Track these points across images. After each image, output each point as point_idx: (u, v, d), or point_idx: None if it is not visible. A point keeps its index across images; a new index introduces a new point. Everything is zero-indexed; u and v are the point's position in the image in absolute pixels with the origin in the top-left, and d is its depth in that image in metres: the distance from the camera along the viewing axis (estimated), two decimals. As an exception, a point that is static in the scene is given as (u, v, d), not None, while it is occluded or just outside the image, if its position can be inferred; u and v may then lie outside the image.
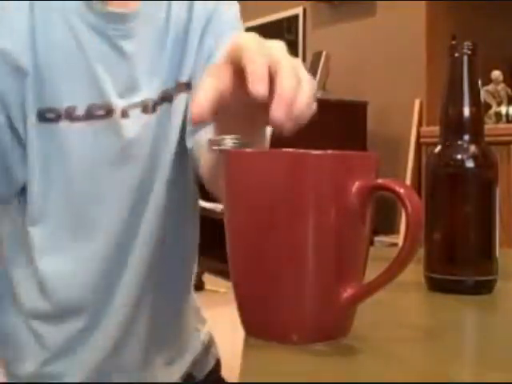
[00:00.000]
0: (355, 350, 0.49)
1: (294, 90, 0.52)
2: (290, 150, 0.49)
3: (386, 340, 0.52)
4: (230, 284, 0.53)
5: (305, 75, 0.55)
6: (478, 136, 0.68)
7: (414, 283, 0.70)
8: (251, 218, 0.49)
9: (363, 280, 0.50)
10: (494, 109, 2.63)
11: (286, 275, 0.48)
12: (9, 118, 0.84)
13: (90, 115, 0.86)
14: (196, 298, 1.07)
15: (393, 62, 3.53)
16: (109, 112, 0.87)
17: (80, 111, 0.85)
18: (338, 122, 3.51)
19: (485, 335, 0.57)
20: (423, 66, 2.76)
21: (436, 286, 0.68)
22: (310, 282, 0.48)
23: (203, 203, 3.56)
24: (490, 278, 0.67)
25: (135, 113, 0.88)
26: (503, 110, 2.63)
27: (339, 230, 0.48)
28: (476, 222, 0.67)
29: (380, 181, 0.48)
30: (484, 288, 0.67)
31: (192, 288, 1.04)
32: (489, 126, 2.42)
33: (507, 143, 2.36)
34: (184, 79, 0.92)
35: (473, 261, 0.66)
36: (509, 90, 2.67)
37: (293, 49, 3.80)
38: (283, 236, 0.48)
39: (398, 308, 0.64)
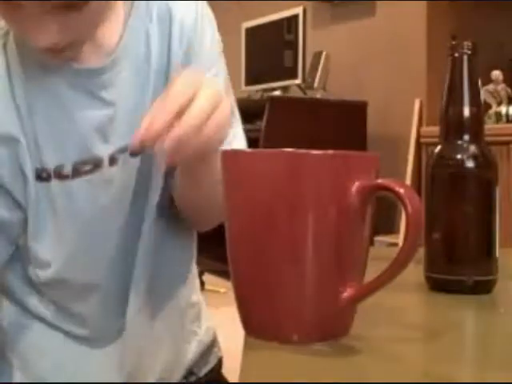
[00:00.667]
0: (355, 350, 0.49)
1: (191, 131, 0.64)
2: (290, 149, 0.49)
3: (386, 340, 0.52)
4: (229, 284, 0.53)
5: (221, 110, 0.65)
6: (477, 136, 0.68)
7: (414, 283, 0.70)
8: (251, 218, 0.49)
9: (363, 280, 0.50)
10: (494, 109, 2.64)
11: (286, 275, 0.48)
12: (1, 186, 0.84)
13: (76, 172, 0.86)
14: (200, 297, 1.07)
15: (393, 62, 3.53)
16: (97, 165, 0.86)
17: (67, 170, 0.85)
18: (338, 122, 3.51)
19: (485, 335, 0.57)
20: (423, 66, 2.76)
21: (436, 285, 0.68)
22: (310, 281, 0.48)
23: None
24: (489, 277, 0.67)
25: (124, 158, 0.87)
26: (503, 109, 2.63)
27: (339, 229, 0.48)
28: (476, 221, 0.67)
29: (380, 181, 0.48)
30: (484, 288, 0.67)
31: (190, 287, 1.04)
32: (489, 125, 2.42)
33: (507, 143, 2.36)
34: None
35: (473, 261, 0.66)
36: (509, 90, 2.67)
37: (293, 49, 3.80)
38: (283, 236, 0.48)
39: (398, 308, 0.64)
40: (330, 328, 0.50)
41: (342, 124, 3.51)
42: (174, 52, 0.88)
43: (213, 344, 1.07)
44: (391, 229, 3.26)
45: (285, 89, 3.86)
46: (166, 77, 0.88)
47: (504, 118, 2.62)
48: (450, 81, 0.69)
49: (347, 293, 0.48)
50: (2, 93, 0.83)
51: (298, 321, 0.49)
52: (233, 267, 0.52)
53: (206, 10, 0.93)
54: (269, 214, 0.48)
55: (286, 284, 0.48)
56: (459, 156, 0.67)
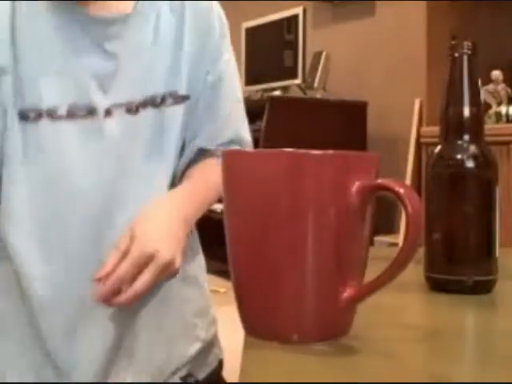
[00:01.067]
0: (355, 350, 0.49)
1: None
2: (290, 149, 0.49)
3: (386, 340, 0.52)
4: (230, 284, 0.53)
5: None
6: (477, 136, 0.68)
7: (414, 283, 0.70)
8: (251, 218, 0.49)
9: (363, 280, 0.50)
10: (494, 109, 2.63)
11: (286, 275, 0.48)
12: None
13: (71, 114, 0.87)
14: (207, 295, 1.07)
15: (393, 62, 3.53)
16: (91, 111, 0.88)
17: (62, 111, 0.86)
18: (338, 122, 3.51)
19: (485, 335, 0.57)
20: (423, 65, 2.76)
21: (436, 285, 0.68)
22: (310, 281, 0.48)
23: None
24: (489, 277, 0.67)
25: (119, 112, 0.89)
26: (503, 109, 2.63)
27: (339, 229, 0.48)
28: (476, 221, 0.67)
29: (380, 181, 0.48)
30: (484, 288, 0.67)
31: (190, 282, 1.03)
32: (489, 125, 2.42)
33: (507, 143, 2.35)
34: (181, 91, 0.94)
35: (473, 260, 0.66)
36: (509, 90, 2.67)
37: (293, 49, 3.80)
38: (283, 236, 0.48)
39: (398, 308, 0.64)
40: (330, 328, 0.50)
41: (342, 124, 3.51)
42: (186, 29, 0.94)
43: (213, 343, 1.06)
44: (391, 229, 3.26)
45: (285, 89, 3.86)
46: (175, 50, 0.93)
47: (504, 118, 2.62)
48: (450, 81, 0.68)
49: (347, 293, 0.48)
50: (1, 25, 0.84)
51: (298, 321, 0.49)
52: (233, 267, 0.52)
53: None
54: (269, 214, 0.48)
55: (286, 284, 0.48)
56: (459, 156, 0.67)
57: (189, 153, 0.98)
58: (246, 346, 0.49)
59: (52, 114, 0.86)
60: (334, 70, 3.78)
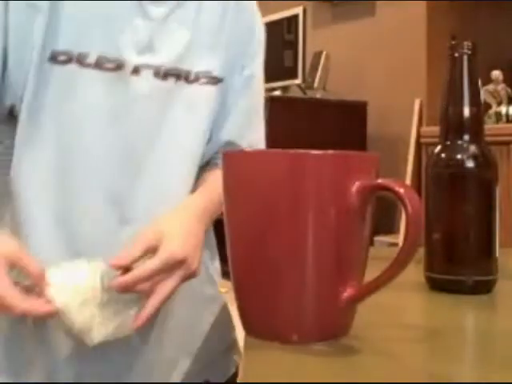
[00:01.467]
0: (355, 350, 0.49)
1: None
2: (290, 150, 0.49)
3: (386, 340, 0.52)
4: (230, 284, 0.53)
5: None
6: (477, 136, 0.68)
7: (414, 283, 0.70)
8: (251, 218, 0.49)
9: (363, 280, 0.50)
10: (494, 109, 2.63)
11: (287, 275, 0.48)
12: (4, 50, 0.85)
13: (99, 65, 0.87)
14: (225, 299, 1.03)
15: (393, 62, 3.53)
16: (119, 66, 0.88)
17: (91, 59, 0.86)
18: (338, 122, 3.51)
19: (485, 335, 0.57)
20: (423, 65, 2.76)
21: (436, 285, 0.68)
22: (310, 282, 0.48)
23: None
24: (489, 277, 0.67)
25: (147, 73, 0.90)
26: (503, 109, 2.62)
27: (339, 229, 0.48)
28: (476, 221, 0.67)
29: (380, 181, 0.48)
30: (484, 288, 0.67)
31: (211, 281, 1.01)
32: (489, 125, 2.42)
33: (507, 143, 2.35)
34: (215, 73, 0.95)
35: (473, 261, 0.66)
36: (509, 90, 2.67)
37: (293, 49, 3.80)
38: (283, 236, 0.48)
39: (398, 308, 0.64)
40: (330, 328, 0.50)
41: (342, 124, 3.51)
42: (228, 19, 0.97)
43: (233, 348, 1.03)
44: (391, 229, 3.26)
45: (285, 89, 3.86)
46: (215, 35, 0.96)
47: (504, 118, 2.62)
48: (450, 81, 0.69)
49: (347, 293, 0.48)
50: None
51: (298, 321, 0.49)
52: (233, 267, 0.52)
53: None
54: (269, 214, 0.48)
55: (287, 284, 0.48)
56: (459, 156, 0.67)
57: (214, 145, 0.97)
58: (246, 346, 0.49)
59: (81, 60, 0.86)
60: (334, 70, 3.78)
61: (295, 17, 3.78)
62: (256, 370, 0.45)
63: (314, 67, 3.78)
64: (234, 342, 1.03)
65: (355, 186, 0.47)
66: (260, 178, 0.48)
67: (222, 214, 0.53)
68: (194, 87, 0.93)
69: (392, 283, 0.48)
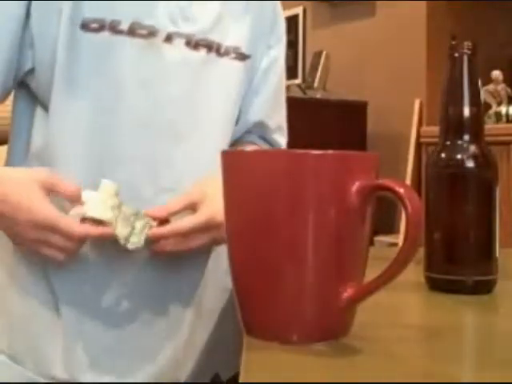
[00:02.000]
0: (355, 350, 0.49)
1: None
2: (290, 149, 0.49)
3: (386, 340, 0.52)
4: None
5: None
6: (477, 136, 0.68)
7: (414, 283, 0.70)
8: (251, 218, 0.49)
9: (363, 280, 0.50)
10: (494, 109, 2.63)
11: (286, 275, 0.48)
12: (28, 15, 0.85)
13: (132, 31, 0.87)
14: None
15: (393, 62, 3.53)
16: (153, 32, 0.88)
17: (124, 26, 0.86)
18: (338, 122, 3.51)
19: (485, 335, 0.57)
20: (423, 65, 2.76)
21: (436, 285, 0.68)
22: (310, 282, 0.48)
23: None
24: (489, 277, 0.67)
25: (179, 42, 0.90)
26: (503, 109, 2.62)
27: (339, 229, 0.48)
28: (476, 222, 0.67)
29: (380, 181, 0.48)
30: (484, 288, 0.67)
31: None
32: (489, 126, 2.41)
33: (507, 143, 2.35)
34: (243, 49, 0.96)
35: (473, 261, 0.66)
36: (509, 90, 2.67)
37: (293, 49, 3.80)
38: (283, 236, 0.48)
39: (398, 308, 0.64)
40: (330, 328, 0.50)
41: (342, 124, 3.51)
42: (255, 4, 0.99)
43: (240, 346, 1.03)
44: (391, 229, 3.26)
45: (285, 89, 3.86)
46: (243, 12, 0.97)
47: (504, 118, 2.62)
48: (450, 81, 0.69)
49: (347, 293, 0.48)
50: None
51: (298, 321, 0.49)
52: (233, 267, 0.52)
53: None
54: (269, 214, 0.48)
55: (286, 284, 0.48)
56: (459, 156, 0.67)
57: (242, 125, 0.97)
58: (246, 346, 0.49)
59: (114, 27, 0.86)
60: (334, 70, 3.78)
61: (295, 17, 3.78)
62: (256, 370, 0.45)
63: (314, 67, 3.78)
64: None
65: (355, 186, 0.47)
66: (260, 177, 0.48)
67: (221, 214, 0.53)
68: (225, 61, 0.94)
69: (392, 283, 0.48)
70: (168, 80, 0.90)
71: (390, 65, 3.55)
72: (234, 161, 0.51)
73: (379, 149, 3.39)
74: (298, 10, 3.77)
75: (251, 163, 0.49)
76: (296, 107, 3.72)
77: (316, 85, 3.74)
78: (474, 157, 0.67)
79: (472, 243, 0.67)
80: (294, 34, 3.78)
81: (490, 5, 2.78)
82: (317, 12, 4.07)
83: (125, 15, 0.87)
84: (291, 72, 3.78)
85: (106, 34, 0.86)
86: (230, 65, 0.95)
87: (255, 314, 0.50)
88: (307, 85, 3.77)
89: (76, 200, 0.78)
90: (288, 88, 3.87)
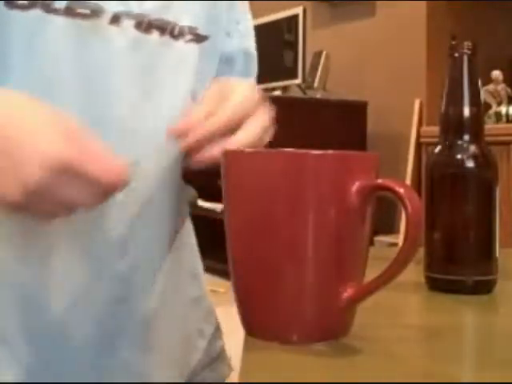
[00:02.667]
0: (355, 350, 0.49)
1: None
2: (290, 149, 0.49)
3: (385, 340, 0.52)
4: (229, 284, 0.53)
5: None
6: (478, 136, 0.68)
7: (414, 283, 0.70)
8: (251, 218, 0.49)
9: (363, 280, 0.50)
10: (494, 109, 2.64)
11: (286, 275, 0.48)
12: None
13: (71, 10, 0.72)
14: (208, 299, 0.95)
15: (393, 62, 3.53)
16: (96, 12, 0.74)
17: (59, 4, 0.71)
18: (338, 122, 3.51)
19: (485, 335, 0.57)
20: (423, 65, 2.76)
21: (436, 285, 0.68)
22: (310, 281, 0.48)
23: (203, 203, 3.57)
24: (489, 277, 0.67)
25: (128, 24, 0.76)
26: (503, 109, 2.63)
27: (339, 229, 0.48)
28: (476, 222, 0.67)
29: (380, 181, 0.48)
30: (484, 288, 0.67)
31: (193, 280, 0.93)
32: (489, 126, 2.42)
33: (507, 143, 2.36)
34: (199, 30, 0.84)
35: (473, 261, 0.66)
36: (509, 90, 2.67)
37: (293, 49, 3.80)
38: (283, 236, 0.48)
39: (398, 308, 0.64)
40: (330, 328, 0.50)
41: (342, 124, 3.51)
42: None
43: (218, 358, 0.95)
44: (391, 229, 3.26)
45: (285, 89, 3.86)
46: None
47: (504, 118, 2.62)
48: (450, 81, 0.69)
49: (347, 293, 0.48)
50: None
51: (298, 321, 0.49)
52: (233, 267, 0.52)
53: None
54: (269, 213, 0.48)
55: (286, 284, 0.48)
56: (459, 156, 0.67)
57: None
58: (246, 346, 0.49)
59: (48, 5, 0.71)
60: (334, 69, 3.79)
61: (295, 17, 3.78)
62: (256, 370, 0.45)
63: (314, 67, 3.78)
64: (220, 351, 0.95)
65: (355, 186, 0.47)
66: (260, 177, 0.48)
67: (222, 213, 0.52)
68: (180, 45, 0.82)
69: (392, 283, 0.48)
70: (114, 72, 0.76)
71: (389, 65, 3.56)
72: (233, 161, 0.51)
73: (379, 149, 3.39)
74: (298, 10, 3.77)
75: (251, 163, 0.49)
76: (296, 107, 3.75)
77: (316, 85, 3.75)
78: (474, 157, 0.67)
79: (472, 243, 0.67)
80: (294, 34, 3.78)
81: (490, 5, 2.78)
82: (317, 12, 4.07)
83: None
84: (291, 72, 3.79)
85: (38, 13, 0.70)
86: (188, 50, 0.83)
87: (255, 313, 0.50)
88: (307, 85, 3.77)
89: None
90: (288, 88, 3.88)
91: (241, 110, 0.70)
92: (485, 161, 0.67)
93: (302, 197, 0.47)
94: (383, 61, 3.61)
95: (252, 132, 0.69)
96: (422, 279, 0.69)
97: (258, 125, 0.71)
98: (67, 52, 0.73)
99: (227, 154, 0.52)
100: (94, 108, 0.75)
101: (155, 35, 0.79)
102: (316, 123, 3.43)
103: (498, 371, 0.46)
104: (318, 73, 3.75)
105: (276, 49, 3.92)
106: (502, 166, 2.26)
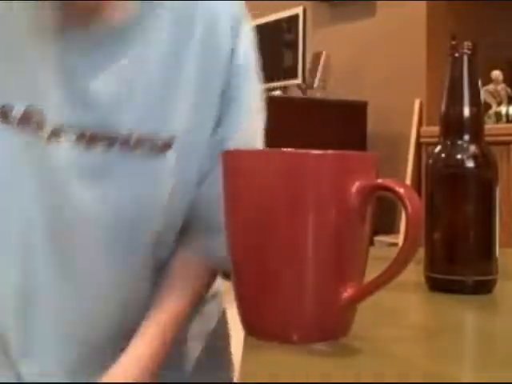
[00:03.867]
0: (355, 350, 0.49)
1: None
2: (290, 149, 0.49)
3: (385, 340, 0.52)
4: (229, 284, 0.53)
5: None
6: (478, 136, 0.68)
7: (414, 283, 0.70)
8: (251, 218, 0.49)
9: (363, 280, 0.50)
10: (494, 109, 2.64)
11: (286, 275, 0.48)
12: None
13: (25, 120, 0.69)
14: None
15: (393, 62, 3.53)
16: (40, 124, 0.69)
17: (17, 112, 0.69)
18: (338, 122, 3.51)
19: (485, 335, 0.56)
20: (423, 65, 2.76)
21: (436, 285, 0.68)
22: (310, 281, 0.48)
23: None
24: (489, 277, 0.67)
25: (68, 138, 0.70)
26: (503, 109, 2.63)
27: (339, 229, 0.48)
28: (476, 222, 0.67)
29: (380, 181, 0.48)
30: (484, 288, 0.67)
31: None
32: (489, 126, 2.42)
33: (507, 143, 2.36)
34: (165, 136, 0.73)
35: (473, 261, 0.66)
36: (509, 90, 2.67)
37: (293, 49, 3.80)
38: (283, 236, 0.48)
39: (398, 308, 0.64)
40: (330, 328, 0.50)
41: (342, 124, 3.51)
42: (190, 52, 0.74)
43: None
44: (391, 229, 3.26)
45: (285, 89, 3.86)
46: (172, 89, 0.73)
47: (504, 118, 2.62)
48: (450, 81, 0.68)
49: (347, 293, 0.48)
50: None
51: (298, 321, 0.49)
52: (233, 267, 0.52)
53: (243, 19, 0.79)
54: (269, 214, 0.48)
55: (286, 284, 0.48)
56: (459, 156, 0.67)
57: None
58: (246, 346, 0.49)
59: (6, 113, 0.68)
60: (334, 70, 3.78)
61: (295, 17, 3.78)
62: (256, 370, 0.45)
63: (314, 67, 3.78)
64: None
65: (355, 186, 0.47)
66: (260, 177, 0.48)
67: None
68: (135, 158, 0.71)
69: (392, 283, 0.48)
70: (61, 196, 0.70)
71: (389, 65, 3.56)
72: (234, 161, 0.51)
73: (379, 149, 3.39)
74: (298, 10, 3.77)
75: (251, 163, 0.49)
76: (296, 107, 3.74)
77: (316, 85, 3.75)
78: (474, 157, 0.67)
79: (472, 243, 0.67)
80: (294, 34, 3.78)
81: (490, 5, 2.78)
82: (317, 12, 4.07)
83: (18, 97, 0.68)
84: (291, 72, 3.79)
85: None
86: (146, 162, 0.72)
87: (255, 313, 0.50)
88: (307, 85, 3.77)
89: None
90: (288, 88, 3.88)
91: None
92: (485, 161, 0.67)
93: (301, 197, 0.47)
94: (383, 61, 3.61)
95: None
96: (422, 279, 0.69)
97: None
98: (19, 167, 0.71)
99: (227, 154, 0.52)
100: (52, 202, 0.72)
101: (99, 149, 0.70)
102: (316, 123, 3.43)
103: (497, 371, 0.46)
104: (318, 73, 3.75)
105: (276, 49, 3.92)
106: (502, 166, 2.26)
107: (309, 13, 3.88)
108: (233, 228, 0.51)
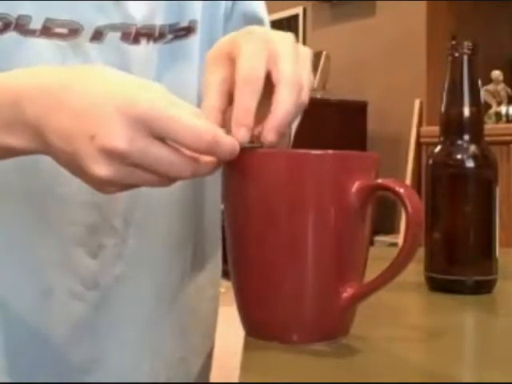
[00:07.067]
0: (355, 350, 0.49)
1: (299, 75, 0.54)
2: (290, 149, 0.49)
3: (386, 340, 0.52)
4: (229, 284, 0.53)
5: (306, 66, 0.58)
6: (478, 136, 0.68)
7: (414, 283, 0.70)
8: (251, 218, 0.49)
9: (363, 280, 0.50)
10: (494, 109, 2.63)
11: (286, 275, 0.48)
12: None
13: (47, 30, 0.67)
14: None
15: (393, 62, 3.53)
16: (75, 30, 0.68)
17: (36, 24, 0.66)
18: (338, 122, 3.51)
19: (485, 335, 0.57)
20: (423, 66, 2.76)
21: (436, 285, 0.68)
22: (310, 281, 0.48)
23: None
24: (489, 277, 0.67)
25: (112, 37, 0.69)
26: (503, 109, 2.63)
27: (339, 230, 0.48)
28: (476, 222, 0.67)
29: (380, 181, 0.48)
30: (484, 288, 0.67)
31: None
32: (489, 125, 2.42)
33: (507, 143, 2.36)
34: (183, 23, 0.75)
35: (473, 261, 0.66)
36: (509, 90, 2.67)
37: (293, 49, 3.80)
38: (283, 236, 0.48)
39: (398, 308, 0.64)
40: (330, 328, 0.50)
41: (342, 124, 3.52)
42: None
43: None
44: (391, 229, 3.26)
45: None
46: None
47: (504, 118, 2.62)
48: (450, 81, 0.68)
49: (347, 293, 0.48)
50: None
51: (298, 321, 0.49)
52: (233, 267, 0.52)
53: None
54: (269, 213, 0.48)
55: (286, 284, 0.48)
56: (459, 156, 0.67)
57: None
58: (246, 346, 0.49)
59: (23, 26, 0.66)
60: (334, 70, 3.79)
61: (295, 17, 3.79)
62: (256, 370, 0.45)
63: (314, 67, 3.78)
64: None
65: (355, 186, 0.47)
66: (260, 177, 0.48)
67: (222, 213, 0.52)
68: (168, 45, 0.73)
69: (392, 283, 0.48)
70: None
71: (390, 65, 3.56)
72: (233, 160, 0.51)
73: (379, 149, 3.40)
74: (298, 10, 3.77)
75: (251, 163, 0.49)
76: (296, 107, 3.70)
77: (316, 85, 3.75)
78: (474, 157, 0.67)
79: (472, 243, 0.67)
80: (294, 34, 3.79)
81: (490, 5, 2.78)
82: (317, 12, 4.08)
83: (37, 10, 0.66)
84: (291, 72, 3.79)
85: (12, 36, 0.66)
86: (180, 47, 0.74)
87: (255, 313, 0.50)
88: (307, 85, 3.77)
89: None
90: (288, 88, 3.87)
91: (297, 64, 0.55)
92: (485, 161, 0.67)
93: (301, 197, 0.47)
94: (383, 61, 3.61)
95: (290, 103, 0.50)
96: (422, 279, 0.69)
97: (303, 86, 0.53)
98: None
99: (227, 153, 0.52)
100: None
101: (143, 44, 0.71)
102: (316, 123, 3.43)
103: (497, 371, 0.46)
104: (318, 73, 3.76)
105: (276, 49, 3.92)
106: (502, 166, 2.26)
107: (309, 13, 3.89)
108: (233, 228, 0.51)
